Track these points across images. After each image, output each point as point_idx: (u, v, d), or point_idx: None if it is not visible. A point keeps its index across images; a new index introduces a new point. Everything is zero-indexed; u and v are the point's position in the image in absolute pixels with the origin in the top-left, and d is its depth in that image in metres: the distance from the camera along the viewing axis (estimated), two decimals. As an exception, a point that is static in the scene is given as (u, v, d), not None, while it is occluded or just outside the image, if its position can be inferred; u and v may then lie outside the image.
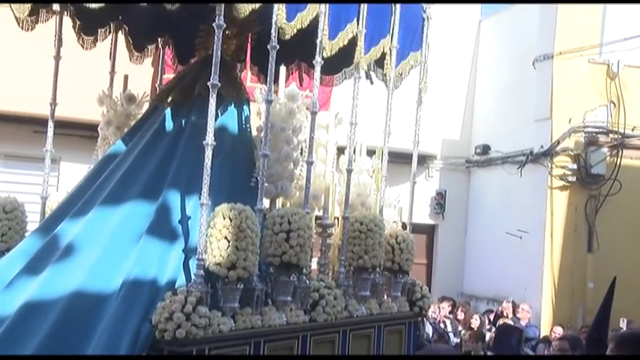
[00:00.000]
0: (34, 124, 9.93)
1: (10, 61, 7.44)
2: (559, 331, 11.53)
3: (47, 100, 7.15)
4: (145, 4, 5.64)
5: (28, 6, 6.08)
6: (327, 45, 6.35)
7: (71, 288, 5.48)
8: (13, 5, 6.12)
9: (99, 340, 5.14)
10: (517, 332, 9.68)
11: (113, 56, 7.63)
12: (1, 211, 6.59)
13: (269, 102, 5.95)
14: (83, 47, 7.30)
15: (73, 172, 9.82)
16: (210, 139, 5.35)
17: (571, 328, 12.07)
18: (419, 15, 7.73)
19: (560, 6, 13.68)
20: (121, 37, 7.58)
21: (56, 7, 6.17)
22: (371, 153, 7.70)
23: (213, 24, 5.38)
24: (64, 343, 5.19)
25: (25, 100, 8.71)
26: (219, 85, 5.49)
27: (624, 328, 10.44)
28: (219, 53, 5.42)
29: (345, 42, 6.54)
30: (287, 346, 5.95)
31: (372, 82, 7.40)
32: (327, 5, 6.18)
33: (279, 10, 5.78)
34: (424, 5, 7.76)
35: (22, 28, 6.56)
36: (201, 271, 5.27)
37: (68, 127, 8.70)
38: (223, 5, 5.36)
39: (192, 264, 5.40)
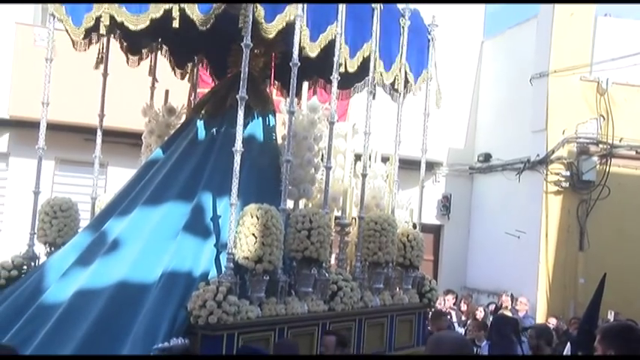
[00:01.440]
0: (85, 132, 9.97)
1: (65, 76, 7.48)
2: (553, 321, 11.36)
3: (97, 112, 7.21)
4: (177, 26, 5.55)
5: (82, 30, 6.08)
6: (348, 62, 6.33)
7: (117, 278, 5.51)
8: (69, 30, 6.14)
9: (141, 324, 5.17)
10: (512, 322, 9.54)
11: (153, 73, 7.67)
12: (58, 210, 6.64)
13: (291, 113, 5.94)
14: (129, 64, 7.33)
15: (119, 175, 9.85)
16: (238, 146, 5.35)
17: (563, 319, 11.92)
18: (425, 36, 7.71)
19: (555, 29, 13.59)
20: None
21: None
22: (385, 160, 7.67)
23: (242, 43, 5.39)
24: (111, 326, 5.23)
25: (77, 111, 8.78)
26: (247, 98, 5.49)
27: (611, 320, 10.29)
28: (246, 69, 5.44)
29: (361, 60, 6.55)
30: (308, 332, 5.93)
31: (374, 98, 7.34)
32: (343, 26, 6.18)
33: (303, 31, 5.79)
34: (429, 27, 7.73)
35: (76, 49, 6.64)
36: (231, 264, 5.28)
37: (115, 136, 8.76)
38: (251, 27, 5.37)
39: (223, 258, 5.40)
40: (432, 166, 14.67)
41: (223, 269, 5.34)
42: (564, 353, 8.49)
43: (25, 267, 6.32)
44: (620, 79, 13.61)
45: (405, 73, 7.26)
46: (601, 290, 9.72)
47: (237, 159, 5.33)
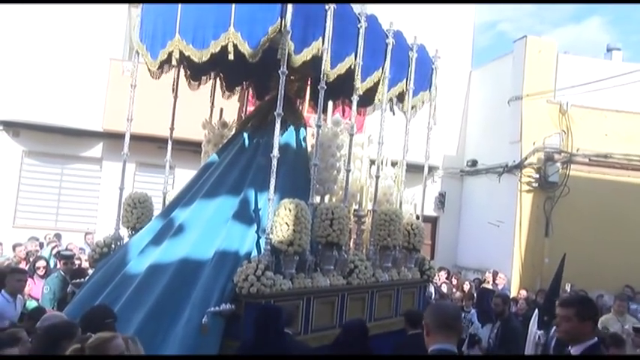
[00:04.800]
0: (159, 141, 9.92)
1: (144, 98, 7.39)
2: (523, 293, 11.06)
3: (168, 125, 7.08)
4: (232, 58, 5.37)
5: (158, 62, 5.99)
6: (360, 86, 6.12)
7: (180, 255, 5.38)
8: (148, 62, 6.05)
9: (198, 292, 5.02)
10: (491, 293, 9.29)
11: (213, 94, 7.49)
12: (137, 202, 6.54)
13: (318, 127, 5.79)
14: (190, 89, 7.21)
15: (184, 175, 9.74)
16: (275, 152, 5.18)
17: (532, 291, 11.61)
18: (429, 64, 7.47)
19: (527, 62, 13.51)
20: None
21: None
22: (394, 164, 7.45)
23: (279, 71, 5.21)
24: (175, 293, 5.10)
25: (153, 125, 8.68)
26: (283, 114, 5.32)
27: (568, 290, 10.00)
28: (283, 92, 5.26)
29: (372, 84, 6.34)
30: (330, 301, 5.72)
31: (394, 114, 7.12)
32: (361, 56, 5.94)
33: (326, 61, 5.57)
34: (433, 58, 7.48)
35: (153, 77, 6.52)
36: (269, 246, 5.11)
37: (181, 144, 8.61)
38: (286, 58, 5.18)
39: (263, 241, 5.22)
40: (430, 169, 14.39)
41: (262, 250, 5.16)
42: (532, 318, 8.11)
43: (112, 245, 6.26)
44: (577, 102, 13.42)
45: (410, 95, 7.03)
46: (562, 267, 9.51)
47: (274, 163, 5.16)
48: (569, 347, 3.43)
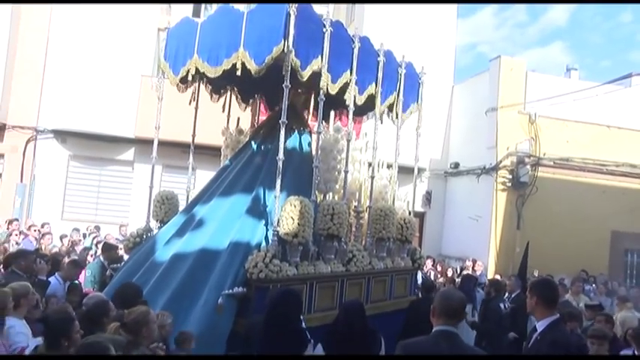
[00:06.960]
0: (183, 146, 9.80)
1: (171, 109, 7.26)
2: (497, 277, 10.89)
3: (190, 132, 6.94)
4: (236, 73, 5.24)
5: (178, 78, 5.91)
6: (357, 98, 5.99)
7: (200, 245, 5.29)
8: (169, 78, 5.99)
9: (214, 277, 4.92)
10: (473, 279, 9.17)
11: (229, 106, 7.33)
12: (165, 199, 6.47)
13: (319, 133, 5.71)
14: (212, 100, 7.09)
15: (205, 176, 9.56)
16: (281, 155, 5.07)
17: (505, 276, 11.45)
18: (416, 79, 7.32)
19: (501, 79, 13.41)
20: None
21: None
22: (388, 166, 7.32)
23: (284, 85, 5.09)
24: (195, 278, 5.01)
25: (177, 132, 8.54)
26: (288, 122, 5.22)
27: (536, 275, 9.92)
28: (287, 103, 5.17)
29: (366, 96, 6.20)
30: (330, 286, 5.57)
31: (382, 122, 6.98)
32: (355, 73, 5.81)
33: (324, 76, 5.46)
34: (419, 74, 7.33)
35: (179, 91, 6.42)
36: (276, 238, 5.00)
37: (202, 149, 8.43)
38: (289, 73, 5.05)
39: (271, 233, 5.10)
40: (419, 170, 14.22)
41: (270, 241, 5.04)
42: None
43: (144, 236, 6.20)
44: (544, 113, 13.37)
45: (400, 106, 6.88)
46: (526, 254, 9.45)
47: (280, 165, 5.05)
48: (535, 322, 3.44)
